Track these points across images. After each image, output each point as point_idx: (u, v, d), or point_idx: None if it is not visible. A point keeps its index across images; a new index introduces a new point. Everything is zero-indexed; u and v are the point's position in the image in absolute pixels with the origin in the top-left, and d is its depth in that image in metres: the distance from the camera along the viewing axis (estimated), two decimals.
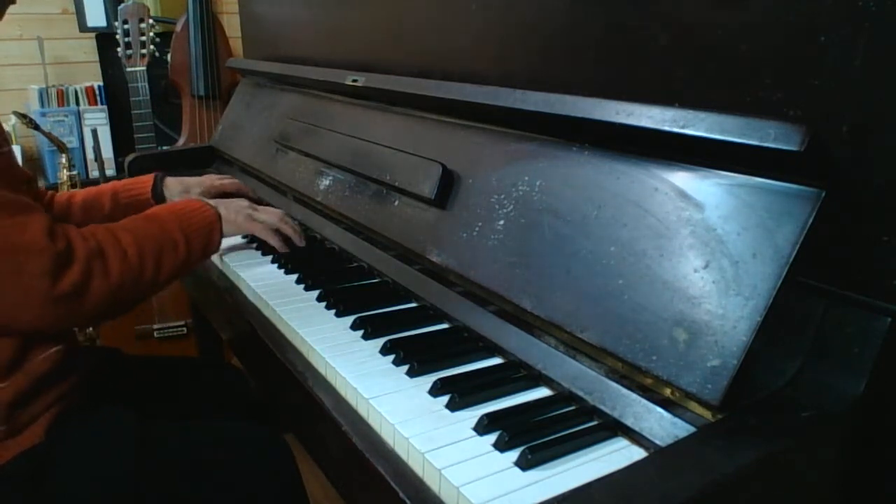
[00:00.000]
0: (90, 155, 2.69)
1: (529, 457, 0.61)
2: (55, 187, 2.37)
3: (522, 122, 0.90)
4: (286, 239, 1.18)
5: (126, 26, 2.24)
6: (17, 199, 0.86)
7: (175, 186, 1.35)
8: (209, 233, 1.06)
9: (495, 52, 1.00)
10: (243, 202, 1.18)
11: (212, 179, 1.42)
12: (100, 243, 0.91)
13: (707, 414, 0.62)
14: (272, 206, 1.30)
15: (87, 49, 2.85)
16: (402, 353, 0.81)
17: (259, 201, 1.37)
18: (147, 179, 1.33)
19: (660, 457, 0.59)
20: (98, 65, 2.83)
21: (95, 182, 2.43)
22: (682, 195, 0.69)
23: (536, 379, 0.77)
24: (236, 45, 2.57)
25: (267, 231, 1.16)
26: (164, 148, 2.46)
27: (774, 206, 0.62)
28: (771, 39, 0.66)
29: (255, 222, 1.14)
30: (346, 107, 1.33)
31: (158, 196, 1.31)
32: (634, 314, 0.68)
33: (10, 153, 0.94)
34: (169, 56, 2.59)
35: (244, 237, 1.26)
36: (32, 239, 0.84)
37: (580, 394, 0.71)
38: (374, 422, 0.71)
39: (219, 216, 1.09)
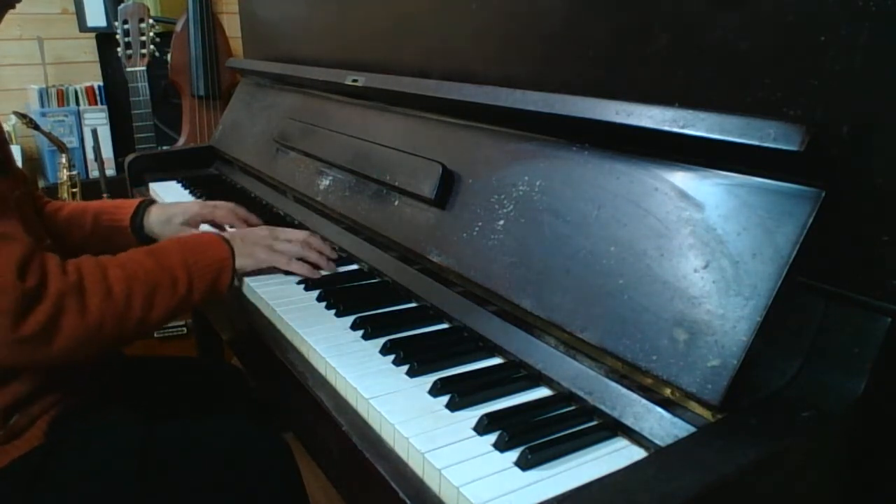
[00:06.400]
0: (90, 155, 2.69)
1: (529, 457, 0.61)
2: (55, 187, 2.37)
3: (522, 122, 0.90)
4: (313, 265, 1.08)
5: (126, 26, 2.24)
6: None
7: (157, 215, 1.24)
8: (218, 272, 0.98)
9: (495, 52, 1.00)
10: (263, 231, 1.09)
11: (198, 207, 1.26)
12: (81, 278, 0.84)
13: (707, 414, 0.62)
14: (290, 222, 1.26)
15: (87, 49, 2.85)
16: (402, 352, 0.81)
17: (281, 220, 1.31)
18: (130, 204, 1.26)
19: (660, 457, 0.59)
20: (98, 65, 2.84)
21: (95, 182, 2.43)
22: (682, 195, 0.69)
23: (536, 379, 0.77)
24: (236, 45, 2.58)
25: (290, 262, 1.06)
26: (164, 148, 2.47)
27: (774, 206, 0.62)
28: (771, 39, 0.66)
29: (275, 254, 1.05)
30: (347, 107, 1.33)
31: (137, 224, 1.23)
32: (634, 314, 0.68)
33: None
34: (169, 56, 2.59)
35: None
36: None
37: (580, 394, 0.71)
38: (374, 422, 0.71)
39: (232, 253, 1.01)
